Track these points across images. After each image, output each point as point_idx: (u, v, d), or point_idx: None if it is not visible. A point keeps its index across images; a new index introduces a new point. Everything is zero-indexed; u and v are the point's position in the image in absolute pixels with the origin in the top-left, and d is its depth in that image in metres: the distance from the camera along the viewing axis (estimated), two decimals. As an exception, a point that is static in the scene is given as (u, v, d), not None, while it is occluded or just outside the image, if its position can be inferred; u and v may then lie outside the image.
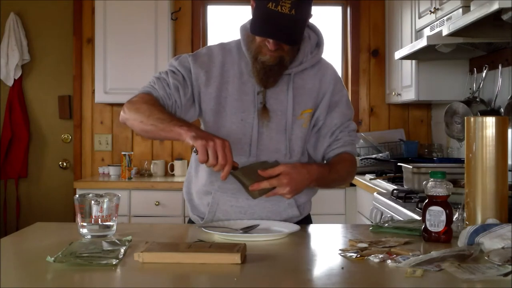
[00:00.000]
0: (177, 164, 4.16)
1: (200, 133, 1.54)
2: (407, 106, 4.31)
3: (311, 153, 1.84)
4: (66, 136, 4.39)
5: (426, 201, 1.48)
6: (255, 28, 1.63)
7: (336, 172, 1.76)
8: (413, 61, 3.50)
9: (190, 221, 1.92)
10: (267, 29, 1.61)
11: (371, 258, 1.28)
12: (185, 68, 1.77)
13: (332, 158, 1.81)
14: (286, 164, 1.61)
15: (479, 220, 1.47)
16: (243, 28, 1.78)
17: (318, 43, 1.82)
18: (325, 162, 1.85)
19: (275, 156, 1.75)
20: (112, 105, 4.31)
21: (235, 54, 1.79)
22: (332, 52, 4.48)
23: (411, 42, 3.42)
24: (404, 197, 2.52)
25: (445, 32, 2.58)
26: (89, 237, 1.53)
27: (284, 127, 1.76)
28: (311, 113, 1.79)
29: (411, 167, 2.59)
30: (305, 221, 1.86)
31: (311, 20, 1.76)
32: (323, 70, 1.82)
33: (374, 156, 3.87)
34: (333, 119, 1.81)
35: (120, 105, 4.26)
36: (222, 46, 1.82)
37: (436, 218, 1.45)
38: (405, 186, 2.70)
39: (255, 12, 1.63)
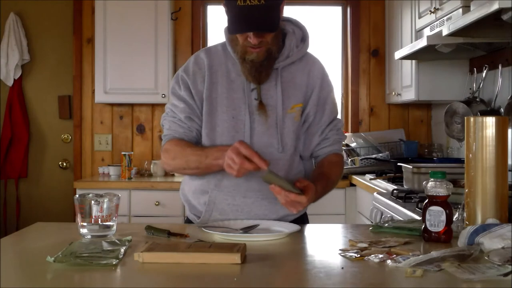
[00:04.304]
0: (177, 164, 4.15)
1: (226, 156, 1.61)
2: (407, 106, 4.31)
3: (299, 149, 1.85)
4: (66, 136, 4.39)
5: (426, 201, 1.48)
6: (232, 27, 1.66)
7: (332, 184, 1.83)
8: (413, 61, 3.50)
9: (188, 221, 1.92)
10: (243, 25, 1.64)
11: (371, 258, 1.28)
12: (187, 88, 1.81)
13: (325, 164, 1.85)
14: (305, 197, 1.62)
15: (479, 220, 1.47)
16: (226, 30, 1.80)
17: (303, 38, 1.84)
18: (313, 160, 1.91)
19: (269, 150, 1.76)
20: (112, 105, 4.31)
21: (221, 55, 1.82)
22: (332, 52, 4.48)
23: (411, 42, 3.42)
24: (404, 197, 2.52)
25: (445, 32, 2.58)
26: (89, 237, 1.53)
27: (275, 121, 1.77)
28: (301, 108, 1.81)
29: (411, 167, 2.58)
30: (301, 219, 1.87)
31: (296, 18, 1.83)
32: (310, 64, 1.85)
33: (374, 156, 3.87)
34: (323, 117, 1.85)
35: (120, 105, 4.29)
36: (207, 49, 1.86)
37: (436, 218, 1.45)
38: (405, 186, 2.70)
39: (228, 13, 1.67)
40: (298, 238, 1.57)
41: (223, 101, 1.78)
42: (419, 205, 2.22)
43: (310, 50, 1.90)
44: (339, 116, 1.93)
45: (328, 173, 1.82)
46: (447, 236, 1.46)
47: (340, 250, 1.38)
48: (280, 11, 1.69)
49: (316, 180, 1.74)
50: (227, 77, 1.79)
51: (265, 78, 1.75)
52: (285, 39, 1.80)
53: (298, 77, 1.81)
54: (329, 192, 1.83)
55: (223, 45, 1.84)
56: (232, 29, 1.66)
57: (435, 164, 3.04)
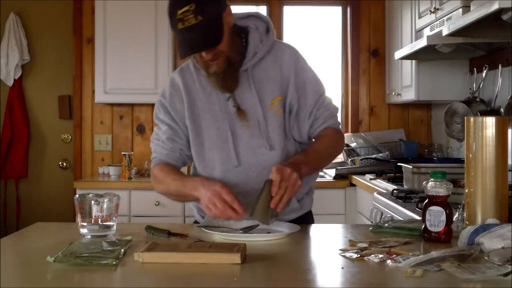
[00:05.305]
0: (177, 164, 4.16)
1: (202, 191, 1.61)
2: (407, 106, 4.31)
3: (297, 138, 1.84)
4: (66, 136, 4.39)
5: (426, 201, 1.48)
6: (181, 52, 1.65)
7: (318, 151, 1.78)
8: (413, 61, 3.50)
9: (196, 223, 1.93)
10: (188, 47, 1.63)
11: (371, 258, 1.28)
12: (166, 112, 1.84)
13: (314, 140, 1.84)
14: (275, 179, 1.57)
15: (479, 220, 1.47)
16: None
17: (267, 30, 1.83)
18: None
19: (259, 151, 1.77)
20: (112, 105, 4.31)
21: (193, 71, 1.83)
22: (332, 52, 4.48)
23: (411, 42, 3.42)
24: (404, 197, 2.52)
25: (445, 32, 2.58)
26: (89, 237, 1.53)
27: (258, 122, 1.77)
28: (282, 100, 1.79)
29: (411, 167, 2.58)
30: (306, 217, 1.87)
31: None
32: (280, 54, 1.82)
33: (374, 156, 3.87)
34: (307, 100, 1.82)
35: (120, 105, 4.29)
36: (180, 69, 1.87)
37: (436, 218, 1.45)
38: (405, 186, 2.70)
39: (177, 39, 1.66)
40: (298, 238, 1.57)
41: (205, 116, 1.79)
42: (419, 205, 2.22)
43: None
44: (336, 104, 1.90)
45: (310, 147, 1.81)
46: (447, 236, 1.46)
47: (340, 250, 1.38)
48: (222, 20, 1.65)
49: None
50: (203, 92, 1.80)
51: (234, 84, 1.75)
52: (248, 37, 1.78)
53: (270, 71, 1.80)
54: (320, 161, 1.80)
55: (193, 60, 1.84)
56: (180, 54, 1.65)
57: (435, 164, 3.04)
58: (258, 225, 1.64)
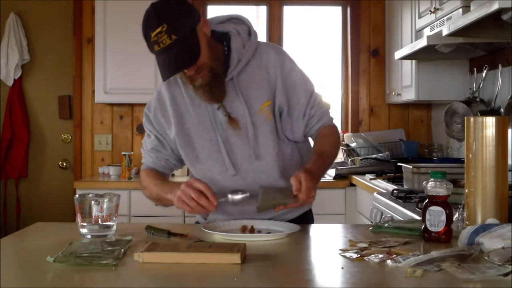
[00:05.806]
0: (177, 164, 4.16)
1: (180, 191, 1.61)
2: (407, 106, 4.31)
3: (291, 138, 1.83)
4: (66, 136, 4.39)
5: (426, 201, 1.48)
6: (162, 75, 1.64)
7: (329, 155, 1.80)
8: (413, 61, 3.50)
9: (197, 223, 1.94)
10: (168, 69, 1.61)
11: (371, 258, 1.28)
12: (150, 123, 1.87)
13: (318, 140, 1.83)
14: (301, 198, 1.57)
15: (479, 220, 1.47)
16: None
17: (249, 32, 1.80)
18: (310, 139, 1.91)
19: (252, 159, 1.76)
20: (112, 105, 4.31)
21: (181, 83, 1.81)
22: (332, 52, 4.48)
23: (411, 42, 3.42)
24: (404, 197, 2.52)
25: (445, 32, 2.58)
26: (89, 237, 1.53)
27: (247, 129, 1.76)
28: (271, 105, 1.78)
29: (411, 167, 2.59)
30: (306, 216, 1.87)
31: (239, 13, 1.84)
32: (265, 57, 1.79)
33: (374, 156, 3.87)
34: (299, 100, 1.81)
35: (120, 105, 4.29)
36: (168, 82, 1.83)
37: (436, 218, 1.46)
38: (405, 186, 2.70)
39: (156, 62, 1.65)
40: (298, 238, 1.57)
41: (196, 128, 1.79)
42: (419, 205, 2.22)
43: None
44: (327, 100, 1.89)
45: (320, 148, 1.80)
46: (447, 236, 1.46)
47: (340, 250, 1.38)
48: (197, 34, 1.62)
49: (311, 160, 1.74)
50: (192, 105, 1.79)
51: (221, 94, 1.73)
52: (230, 43, 1.75)
53: (256, 75, 1.77)
54: (332, 162, 1.81)
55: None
56: (163, 77, 1.63)
57: (435, 164, 3.04)
58: (247, 193, 1.66)
